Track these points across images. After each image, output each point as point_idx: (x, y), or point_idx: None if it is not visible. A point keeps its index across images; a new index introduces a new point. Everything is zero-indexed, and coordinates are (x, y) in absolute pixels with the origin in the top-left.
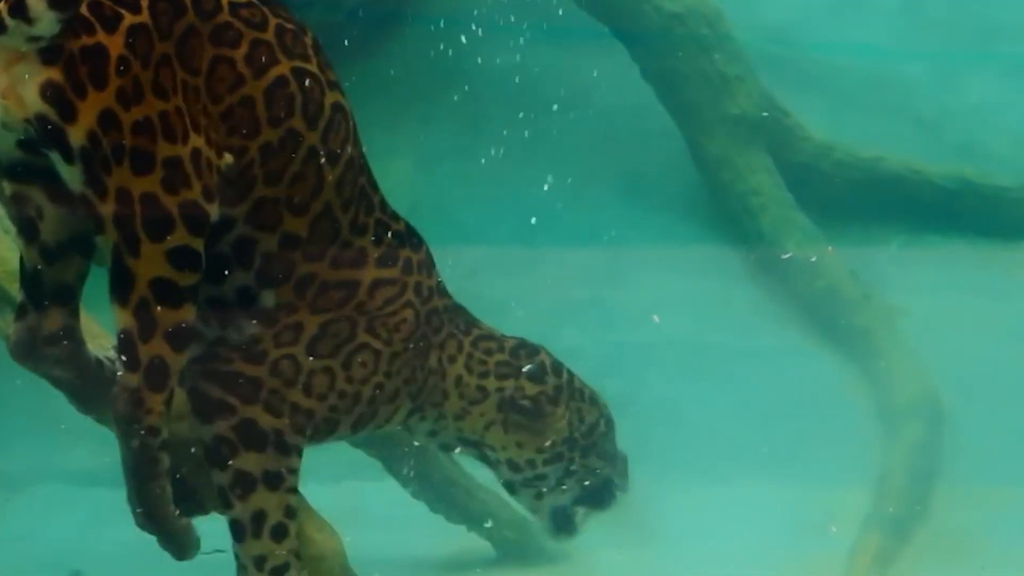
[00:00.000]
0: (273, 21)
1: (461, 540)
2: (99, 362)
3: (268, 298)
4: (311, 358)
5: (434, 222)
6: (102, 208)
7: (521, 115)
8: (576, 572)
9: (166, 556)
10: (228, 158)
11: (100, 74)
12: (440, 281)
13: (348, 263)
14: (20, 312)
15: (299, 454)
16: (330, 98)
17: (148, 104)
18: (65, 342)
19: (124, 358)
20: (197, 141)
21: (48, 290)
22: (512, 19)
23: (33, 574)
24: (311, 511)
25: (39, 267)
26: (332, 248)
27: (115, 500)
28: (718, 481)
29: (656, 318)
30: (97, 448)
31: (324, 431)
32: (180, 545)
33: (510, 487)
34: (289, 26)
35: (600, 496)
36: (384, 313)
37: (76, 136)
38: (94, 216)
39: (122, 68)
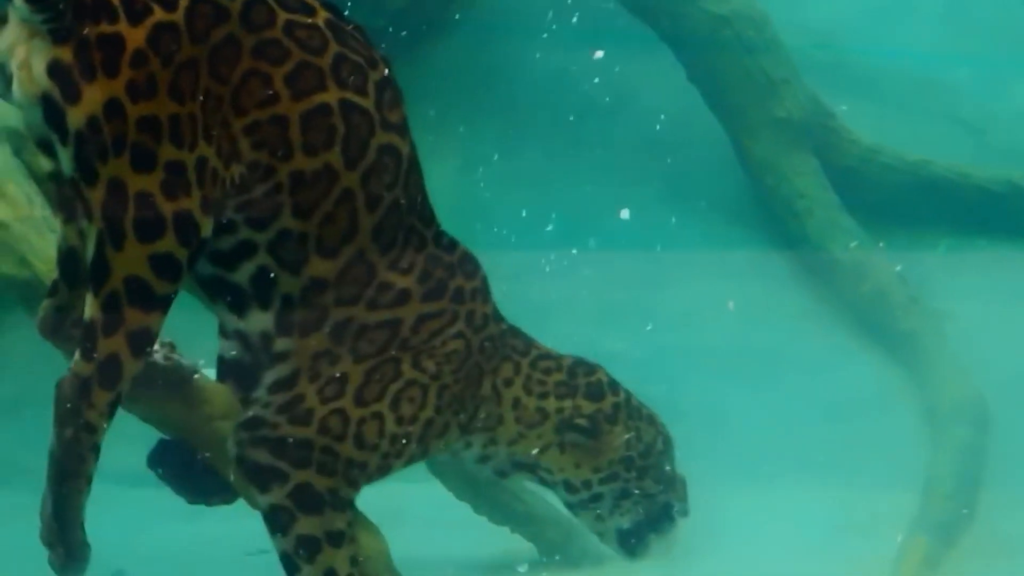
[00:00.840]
0: (334, 48)
1: (505, 541)
2: None
3: (282, 345)
4: (359, 407)
5: (477, 225)
6: (90, 194)
7: (565, 118)
8: (619, 574)
9: (210, 556)
10: (236, 169)
11: (113, 63)
12: (495, 306)
13: (388, 304)
14: (52, 289)
15: (353, 504)
16: (380, 139)
17: (160, 103)
18: None
19: (84, 346)
20: (206, 150)
21: (83, 270)
22: (557, 22)
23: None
24: (356, 512)
25: (74, 245)
26: (368, 290)
27: (158, 500)
28: (764, 485)
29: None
30: (140, 448)
31: (377, 476)
32: (72, 557)
33: (571, 508)
34: (353, 56)
35: (660, 520)
36: (431, 346)
37: (75, 118)
38: (82, 201)
39: (138, 61)
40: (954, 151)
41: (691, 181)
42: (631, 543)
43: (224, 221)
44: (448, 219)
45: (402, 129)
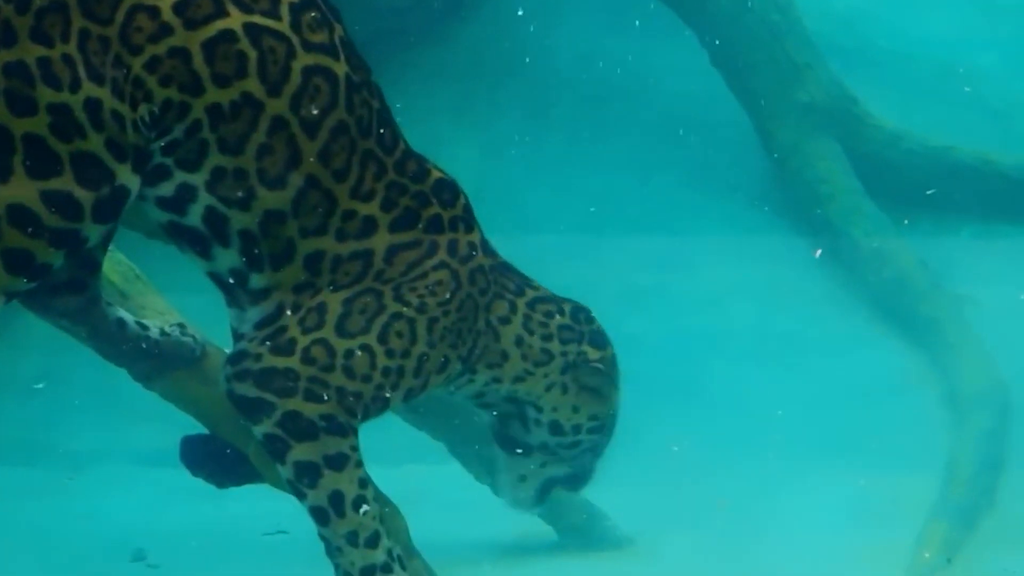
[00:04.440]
0: None
1: (524, 523)
2: (121, 322)
3: (258, 280)
4: (342, 339)
5: (500, 209)
6: None
7: (589, 101)
8: (639, 557)
9: (230, 535)
10: (145, 109)
11: None
12: (484, 237)
13: (355, 234)
14: None
15: (356, 432)
16: (303, 61)
17: (23, 49)
18: (72, 295)
19: None
20: (97, 91)
21: None
22: (582, 5)
23: (97, 552)
24: (378, 491)
25: None
26: (333, 220)
27: (179, 480)
28: (783, 468)
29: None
30: (161, 428)
31: (376, 409)
32: None
33: (527, 446)
34: None
35: (579, 482)
36: (410, 277)
37: None
38: None
39: None
40: (979, 137)
41: (714, 165)
42: (542, 494)
43: (155, 165)
44: (471, 202)
45: (331, 49)
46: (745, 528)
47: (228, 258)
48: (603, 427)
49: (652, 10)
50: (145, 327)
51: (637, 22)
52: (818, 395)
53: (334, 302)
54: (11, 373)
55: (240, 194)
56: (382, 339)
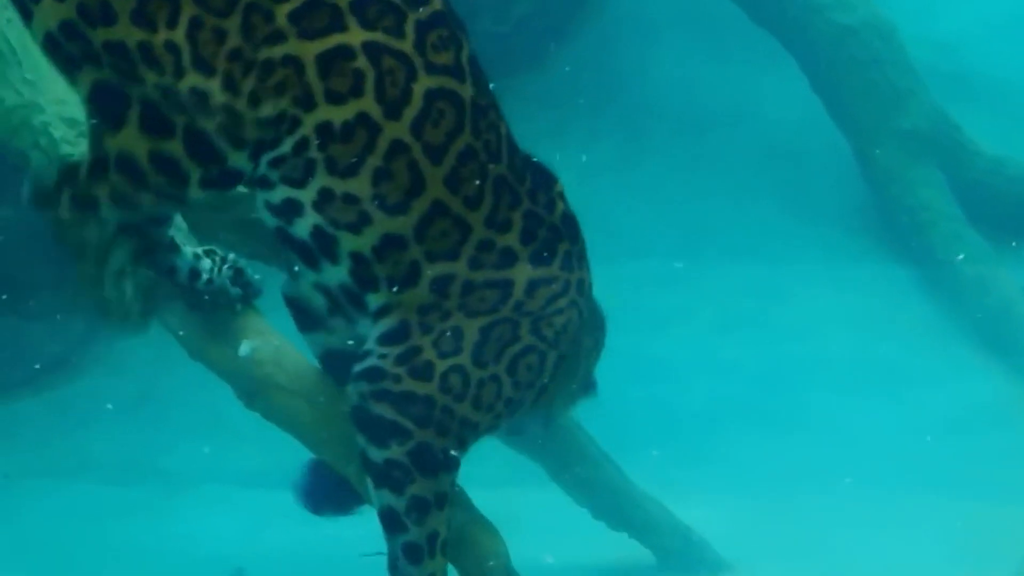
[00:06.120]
0: None
1: (623, 547)
2: (173, 270)
3: (375, 300)
4: (477, 368)
5: (597, 234)
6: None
7: (686, 128)
8: None
9: (328, 557)
10: (266, 110)
11: None
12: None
13: (494, 264)
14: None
15: (459, 466)
16: (425, 83)
17: (123, 30)
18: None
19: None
20: (204, 83)
21: None
22: (681, 32)
23: (196, 571)
24: (477, 513)
25: None
26: (466, 247)
27: (277, 501)
28: (882, 497)
29: None
30: (260, 449)
31: (482, 436)
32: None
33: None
34: None
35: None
36: (547, 313)
37: (35, 33)
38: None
39: None
40: None
41: (813, 192)
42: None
43: (260, 175)
44: None
45: (456, 71)
46: (842, 558)
47: (337, 275)
48: None
49: (752, 36)
50: (197, 273)
51: (736, 48)
52: (917, 425)
53: (471, 328)
54: (111, 394)
55: (351, 218)
56: (511, 370)
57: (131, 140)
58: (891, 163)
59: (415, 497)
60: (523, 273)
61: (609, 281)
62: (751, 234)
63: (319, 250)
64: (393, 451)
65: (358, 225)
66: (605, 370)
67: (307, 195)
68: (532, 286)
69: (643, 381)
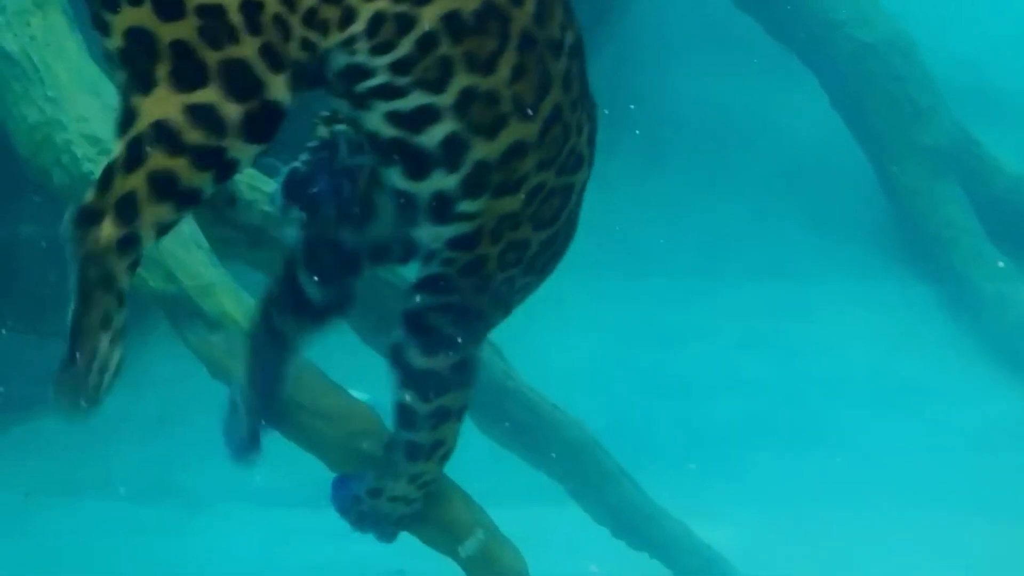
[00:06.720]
0: None
1: (643, 566)
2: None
3: (468, 205)
4: (523, 276)
5: (616, 250)
6: (108, 44)
7: (705, 143)
8: None
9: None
10: (338, 34)
11: None
12: None
13: (571, 168)
14: None
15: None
16: None
17: None
18: None
19: (99, 182)
20: None
21: None
22: (700, 47)
23: None
24: (497, 531)
25: None
26: (563, 154)
27: (298, 520)
28: (902, 515)
29: None
30: (280, 468)
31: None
32: (90, 379)
33: None
34: None
35: None
36: (573, 214)
37: None
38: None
39: None
40: None
41: (833, 209)
42: None
43: (384, 83)
44: (586, 244)
45: None
46: (863, 572)
47: (446, 182)
48: None
49: (771, 52)
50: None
51: (755, 63)
52: (938, 442)
53: (535, 241)
54: (132, 412)
55: (488, 121)
56: (536, 269)
57: (162, 101)
58: (912, 180)
59: (442, 407)
60: (582, 177)
61: (628, 296)
62: (772, 251)
63: (443, 158)
64: (438, 362)
65: (495, 129)
66: (626, 387)
67: (445, 99)
68: (582, 189)
69: (664, 398)
